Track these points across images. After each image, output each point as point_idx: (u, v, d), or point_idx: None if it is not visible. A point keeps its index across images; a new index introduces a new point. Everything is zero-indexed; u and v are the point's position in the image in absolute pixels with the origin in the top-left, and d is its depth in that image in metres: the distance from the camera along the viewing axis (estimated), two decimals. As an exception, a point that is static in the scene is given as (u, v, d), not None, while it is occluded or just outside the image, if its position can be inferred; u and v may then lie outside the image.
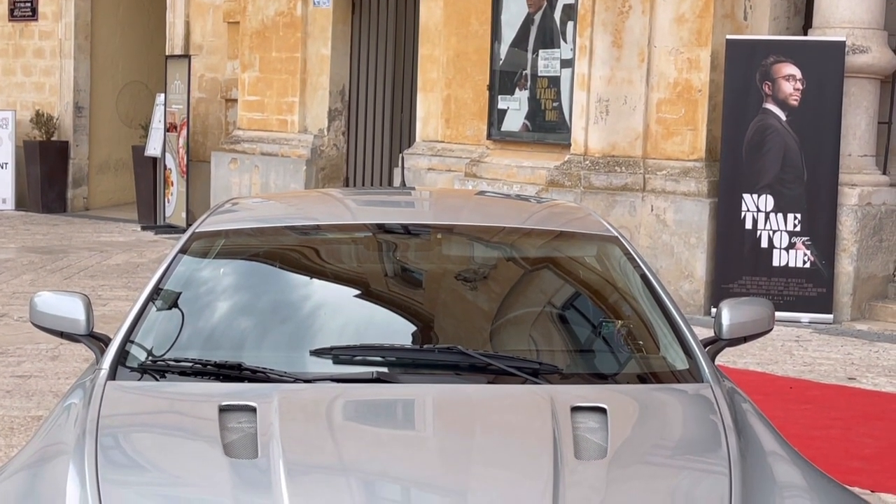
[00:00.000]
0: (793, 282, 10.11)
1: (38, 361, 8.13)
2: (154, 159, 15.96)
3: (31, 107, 17.93)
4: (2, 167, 17.75)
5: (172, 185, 15.66)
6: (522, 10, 11.87)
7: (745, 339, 4.01)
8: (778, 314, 9.77)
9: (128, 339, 3.60)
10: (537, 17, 11.83)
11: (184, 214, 15.27)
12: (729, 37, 10.37)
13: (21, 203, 17.74)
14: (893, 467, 6.09)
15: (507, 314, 3.97)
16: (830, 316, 10.06)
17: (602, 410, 3.18)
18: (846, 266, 10.12)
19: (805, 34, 10.69)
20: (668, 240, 10.48)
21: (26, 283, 11.33)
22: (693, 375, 3.55)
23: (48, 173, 17.52)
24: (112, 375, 3.42)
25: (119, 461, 2.96)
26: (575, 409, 3.17)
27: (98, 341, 3.81)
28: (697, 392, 3.44)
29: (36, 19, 18.16)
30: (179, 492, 2.87)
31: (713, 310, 10.24)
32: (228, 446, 2.95)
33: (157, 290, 3.82)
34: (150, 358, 3.52)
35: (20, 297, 10.51)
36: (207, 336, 3.68)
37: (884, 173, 10.48)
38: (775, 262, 10.18)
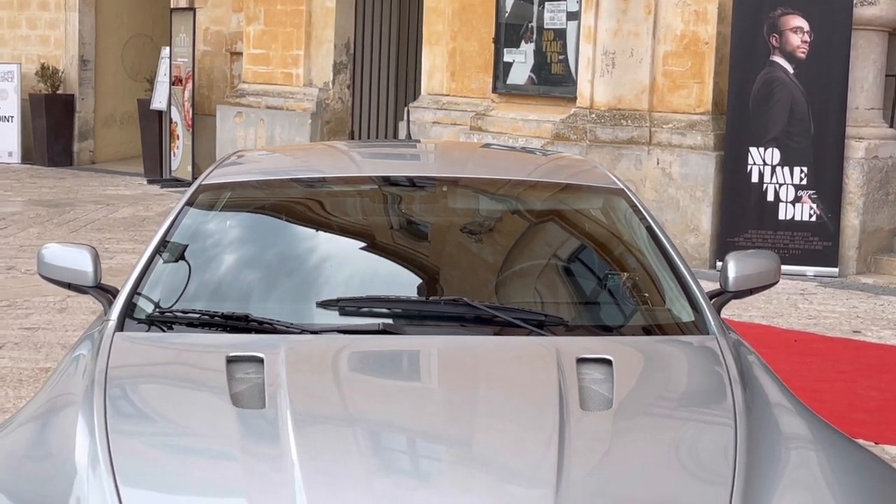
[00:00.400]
0: (798, 235, 10.11)
1: (45, 314, 8.16)
2: (159, 113, 15.93)
3: (36, 60, 17.85)
4: (7, 120, 17.73)
5: (178, 138, 15.63)
6: (529, -39, 11.80)
7: (750, 292, 4.02)
8: (783, 268, 9.75)
9: (135, 291, 3.59)
10: (543, -31, 11.80)
11: (189, 168, 15.24)
12: None
13: (27, 156, 17.72)
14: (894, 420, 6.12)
15: (513, 266, 3.95)
16: (836, 269, 10.06)
17: (607, 362, 3.18)
18: (852, 219, 10.11)
19: None
20: (674, 193, 10.47)
21: (33, 237, 11.34)
22: (698, 328, 3.54)
23: (54, 127, 17.47)
24: (120, 327, 3.42)
25: (127, 412, 2.96)
26: (580, 361, 3.16)
27: (105, 293, 3.81)
28: (703, 344, 3.44)
29: (40, -29, 18.09)
30: (187, 441, 2.87)
31: (718, 263, 10.20)
32: (236, 396, 2.95)
33: (163, 243, 3.81)
34: (157, 310, 3.52)
35: (27, 251, 10.52)
36: (214, 288, 3.67)
37: (891, 126, 10.45)
38: (781, 216, 10.17)
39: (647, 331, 3.60)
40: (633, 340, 3.51)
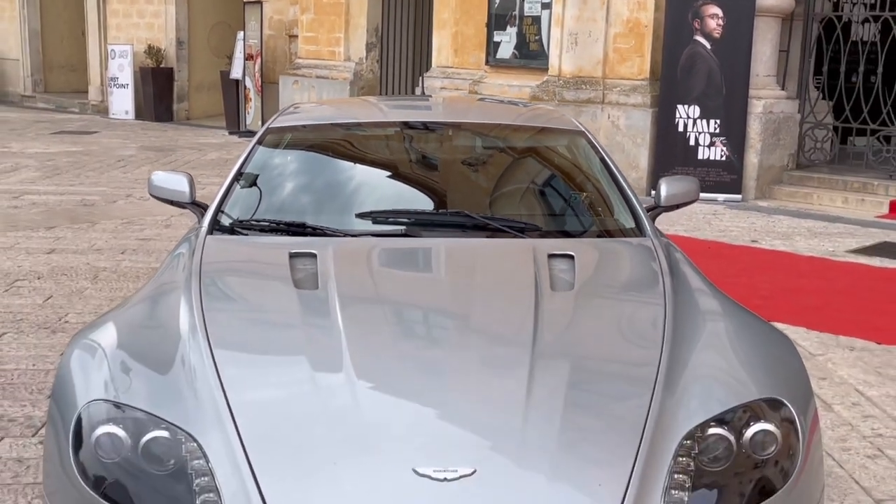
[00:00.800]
0: (712, 171, 9.97)
1: (155, 228, 8.11)
2: (237, 81, 15.71)
3: (144, 42, 17.54)
4: (124, 87, 17.49)
5: (251, 100, 15.44)
6: (512, -35, 11.55)
7: (677, 207, 3.96)
8: (701, 195, 9.72)
9: (220, 206, 3.56)
10: (524, -29, 11.54)
11: (260, 123, 14.98)
12: None
13: (139, 114, 17.52)
14: (783, 303, 6.09)
15: (501, 188, 3.88)
16: (740, 196, 9.94)
17: (571, 257, 3.15)
18: (752, 159, 9.97)
19: None
20: (621, 140, 10.33)
21: (145, 172, 11.22)
22: (638, 232, 3.52)
23: (158, 92, 17.23)
24: (210, 232, 3.41)
25: (217, 294, 2.94)
26: (551, 256, 3.14)
27: (199, 208, 3.78)
28: (641, 244, 3.39)
29: (146, -25, 17.76)
30: (261, 314, 2.87)
31: (653, 192, 10.15)
32: (296, 281, 2.94)
33: (240, 172, 3.78)
34: (237, 220, 3.49)
35: (141, 182, 10.43)
36: (279, 204, 3.62)
37: (782, 89, 10.24)
38: (700, 156, 10.01)
39: (600, 234, 3.55)
40: (590, 241, 3.48)
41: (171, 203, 3.85)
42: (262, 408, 2.32)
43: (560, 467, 2.16)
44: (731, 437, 2.29)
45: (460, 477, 2.09)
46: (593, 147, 3.95)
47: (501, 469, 2.14)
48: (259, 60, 15.18)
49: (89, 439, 2.28)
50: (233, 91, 15.81)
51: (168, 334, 2.65)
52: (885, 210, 9.31)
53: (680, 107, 10.05)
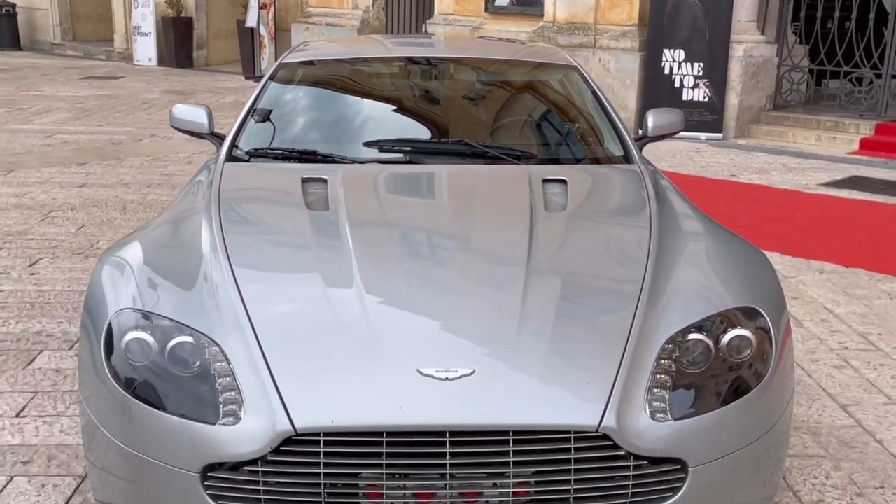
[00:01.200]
0: (696, 111, 9.84)
1: (178, 165, 8.06)
2: (252, 29, 15.44)
3: (165, -8, 17.33)
4: (147, 35, 17.22)
5: (265, 47, 15.20)
6: (510, -83, 11.30)
7: (663, 137, 3.91)
8: (684, 133, 9.61)
9: (236, 138, 3.52)
10: (520, -78, 11.28)
11: (274, 68, 14.91)
12: None
13: (161, 61, 17.27)
14: (759, 232, 6.02)
15: (499, 119, 3.82)
16: (721, 135, 9.84)
17: (563, 181, 3.12)
18: (733, 100, 9.84)
19: None
20: (611, 82, 10.19)
21: (167, 114, 11.10)
22: (627, 160, 3.48)
23: (179, 40, 16.95)
24: (228, 160, 3.38)
25: (235, 217, 2.89)
26: (545, 181, 3.11)
27: (217, 138, 3.74)
28: (629, 170, 3.36)
29: (165, -72, 17.36)
30: (277, 235, 2.84)
31: (640, 130, 10.06)
32: (309, 204, 2.91)
33: (255, 105, 3.72)
34: (253, 149, 3.46)
35: (164, 123, 10.33)
36: (292, 135, 3.57)
37: (762, 34, 10.07)
38: (684, 97, 9.87)
39: (591, 162, 3.49)
40: (582, 167, 3.42)
41: (192, 134, 3.79)
42: (278, 318, 2.32)
43: (551, 369, 2.16)
44: (710, 342, 2.29)
45: (461, 376, 2.10)
46: (585, 81, 3.89)
47: (498, 370, 2.15)
48: (272, 9, 14.91)
49: (120, 345, 2.29)
50: (248, 39, 15.55)
51: (191, 253, 2.63)
52: (856, 147, 9.23)
53: (666, 51, 9.89)
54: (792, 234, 6.07)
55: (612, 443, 2.06)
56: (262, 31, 15.16)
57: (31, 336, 4.07)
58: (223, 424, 2.08)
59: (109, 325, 2.35)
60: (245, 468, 2.06)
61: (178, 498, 2.12)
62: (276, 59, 14.66)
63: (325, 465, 2.03)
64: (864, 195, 7.25)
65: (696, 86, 9.84)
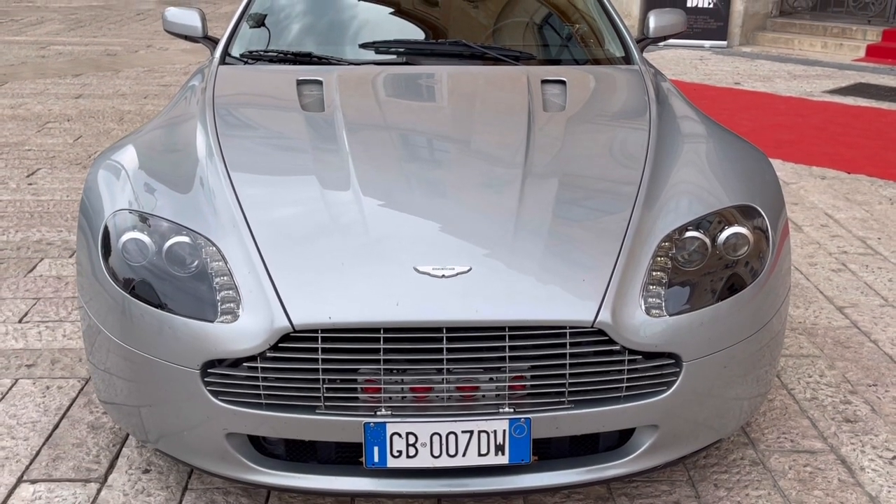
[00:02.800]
0: (700, 18, 9.68)
1: (175, 76, 7.95)
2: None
3: None
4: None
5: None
6: None
7: (665, 38, 3.81)
8: (688, 41, 9.50)
9: (230, 40, 3.46)
10: None
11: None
12: None
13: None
14: (761, 138, 6.00)
15: (499, 21, 3.71)
16: (725, 42, 9.70)
17: (563, 82, 3.08)
18: (738, 6, 9.66)
19: None
20: (613, -12, 10.01)
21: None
22: (628, 61, 3.43)
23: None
24: (222, 62, 3.32)
25: (230, 121, 2.85)
26: (544, 82, 3.07)
27: (210, 41, 3.67)
28: (630, 70, 3.31)
29: None
30: (272, 139, 2.79)
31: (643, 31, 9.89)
32: (304, 106, 2.88)
33: (248, 7, 3.64)
34: (247, 51, 3.40)
35: (160, 34, 10.17)
36: (286, 37, 3.49)
37: (770, -63, 9.87)
38: (689, 4, 9.69)
39: (592, 63, 3.42)
40: (581, 68, 3.36)
41: (185, 38, 3.71)
42: (275, 219, 2.31)
43: (547, 267, 2.16)
44: (707, 240, 2.28)
45: (457, 274, 2.10)
46: (586, -18, 3.79)
47: (494, 267, 2.15)
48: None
49: (117, 245, 2.28)
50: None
51: (186, 157, 2.60)
52: (862, 54, 9.08)
53: (671, -45, 9.65)
54: (795, 140, 6.02)
55: (607, 338, 2.08)
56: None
57: (31, 244, 4.08)
58: (221, 322, 2.10)
59: (106, 226, 2.34)
60: (244, 364, 2.08)
61: (179, 395, 2.15)
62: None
63: (324, 360, 2.05)
64: (869, 102, 7.17)
65: (701, -8, 9.64)
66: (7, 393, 2.88)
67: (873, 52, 9.00)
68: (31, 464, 2.54)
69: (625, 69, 3.32)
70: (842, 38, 9.35)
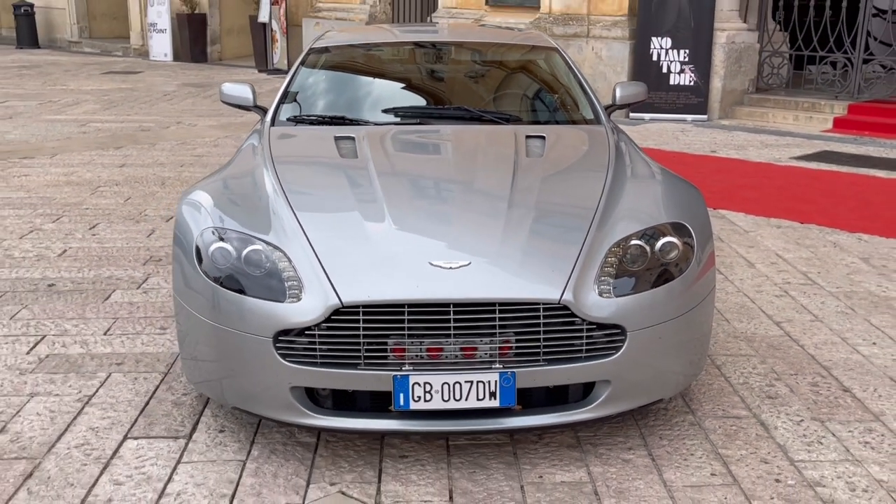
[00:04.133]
0: (682, 94, 10.60)
1: (206, 147, 8.85)
2: (264, 24, 16.17)
3: (179, -10, 18.13)
4: (163, 32, 18.02)
5: (277, 41, 15.93)
6: (508, -85, 12.05)
7: (630, 105, 4.67)
8: (670, 115, 10.47)
9: (278, 108, 4.31)
10: (518, -80, 12.03)
11: (286, 61, 15.56)
12: None
13: (176, 56, 18.05)
14: (729, 196, 6.79)
15: (492, 90, 4.58)
16: (706, 116, 10.59)
17: (542, 137, 3.91)
18: (717, 83, 10.59)
19: None
20: (603, 69, 10.95)
21: (188, 105, 11.92)
22: (597, 122, 4.27)
23: (193, 36, 17.71)
24: (272, 125, 4.18)
25: (287, 166, 3.59)
26: (528, 137, 3.89)
27: (260, 109, 4.53)
28: (597, 128, 4.14)
29: (179, -71, 18.16)
30: (320, 179, 3.60)
31: (631, 115, 10.83)
32: (342, 155, 3.70)
33: (291, 81, 4.51)
34: (293, 116, 4.25)
35: (187, 113, 11.15)
36: (324, 105, 4.34)
37: (744, 22, 10.82)
38: (671, 82, 10.63)
39: (567, 123, 4.27)
40: (558, 126, 4.20)
41: (238, 107, 4.55)
42: (326, 231, 3.11)
43: (525, 263, 2.97)
44: (647, 247, 3.09)
45: (460, 266, 2.91)
46: (564, 60, 4.68)
47: (487, 262, 2.95)
48: (284, 5, 15.65)
49: (207, 254, 3.09)
50: (261, 33, 16.30)
51: (255, 190, 3.42)
52: (830, 125, 10.01)
53: (654, 39, 10.65)
54: (758, 198, 6.86)
55: (570, 312, 2.87)
56: (274, 25, 15.93)
57: (103, 280, 4.89)
58: (289, 302, 2.89)
59: (197, 242, 3.15)
60: (305, 333, 2.87)
61: (255, 358, 2.93)
62: (287, 53, 15.54)
63: (364, 329, 2.84)
64: (830, 167, 8.04)
65: (682, 71, 10.61)
66: (105, 382, 3.66)
67: (839, 124, 9.94)
68: (131, 427, 3.30)
69: (593, 128, 4.17)
70: (811, 111, 10.30)
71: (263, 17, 16.10)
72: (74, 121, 10.47)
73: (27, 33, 20.84)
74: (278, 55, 15.91)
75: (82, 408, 3.44)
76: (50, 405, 3.46)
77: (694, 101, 10.59)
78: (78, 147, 8.80)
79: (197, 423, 3.33)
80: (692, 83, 10.58)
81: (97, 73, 15.92)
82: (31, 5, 20.88)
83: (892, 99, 10.15)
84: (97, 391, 3.57)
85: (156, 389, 3.59)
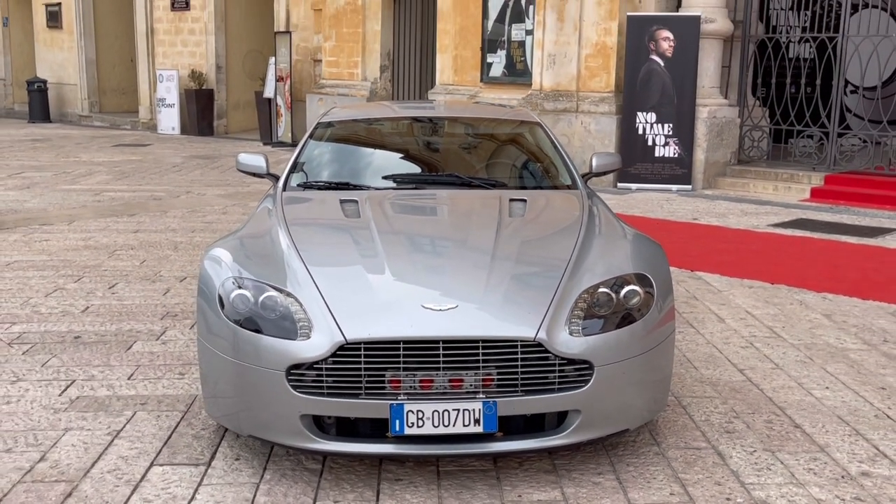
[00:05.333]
0: (667, 165, 11.17)
1: (215, 215, 9.36)
2: (269, 99, 16.85)
3: (188, 67, 18.80)
4: (171, 106, 18.78)
5: (281, 116, 16.61)
6: (501, -2, 12.79)
7: (605, 173, 5.18)
8: (655, 185, 11.06)
9: (289, 175, 4.82)
10: (511, 3, 12.66)
11: (290, 134, 16.25)
12: (629, 14, 11.16)
13: (183, 130, 18.76)
14: (707, 260, 7.26)
15: (481, 160, 5.10)
16: (690, 186, 11.14)
17: (524, 200, 4.41)
18: (700, 156, 11.15)
19: (676, 11, 11.49)
20: (592, 142, 11.50)
21: (196, 175, 12.47)
22: (574, 187, 4.78)
23: (201, 110, 18.41)
24: (284, 190, 4.67)
25: (298, 225, 4.06)
26: (511, 200, 4.38)
27: (272, 176, 5.04)
28: (573, 192, 4.65)
29: (189, 9, 18.94)
30: (327, 238, 4.07)
31: (619, 185, 11.37)
32: (346, 215, 4.18)
33: (301, 150, 5.03)
34: (302, 182, 4.76)
35: (196, 183, 11.71)
36: (330, 172, 4.85)
37: (724, 98, 11.44)
38: (657, 154, 11.19)
39: (547, 188, 4.77)
40: (538, 191, 4.69)
41: (253, 174, 5.07)
42: (333, 280, 3.57)
43: (506, 306, 3.42)
44: (613, 294, 3.55)
45: (449, 309, 3.36)
46: (546, 133, 5.21)
47: (472, 306, 3.40)
48: (288, 81, 16.39)
49: (228, 300, 3.55)
50: (266, 108, 17.03)
51: (271, 246, 3.88)
52: (807, 195, 10.56)
53: (639, 113, 11.26)
54: (734, 261, 7.34)
55: (544, 349, 3.31)
56: (279, 101, 16.64)
57: (124, 332, 5.33)
58: (300, 340, 3.34)
59: (219, 291, 3.61)
60: (314, 366, 3.31)
61: (270, 390, 3.36)
62: (291, 127, 16.25)
63: (365, 363, 3.28)
64: (804, 233, 8.55)
65: (666, 144, 11.20)
66: (131, 419, 4.08)
67: (816, 194, 10.49)
68: (157, 456, 3.72)
69: (570, 192, 4.67)
70: (790, 182, 10.86)
71: (269, 92, 16.83)
72: (89, 190, 11.01)
73: (39, 108, 21.62)
74: (282, 128, 16.58)
75: (112, 440, 3.86)
76: (83, 438, 3.88)
77: (678, 172, 11.16)
78: (93, 214, 9.31)
79: (215, 452, 3.74)
80: (676, 155, 11.16)
81: (108, 145, 16.58)
82: (45, 81, 21.70)
83: (868, 170, 10.72)
84: (125, 426, 3.99)
85: (177, 425, 4.01)
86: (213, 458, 3.70)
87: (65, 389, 4.43)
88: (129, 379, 4.58)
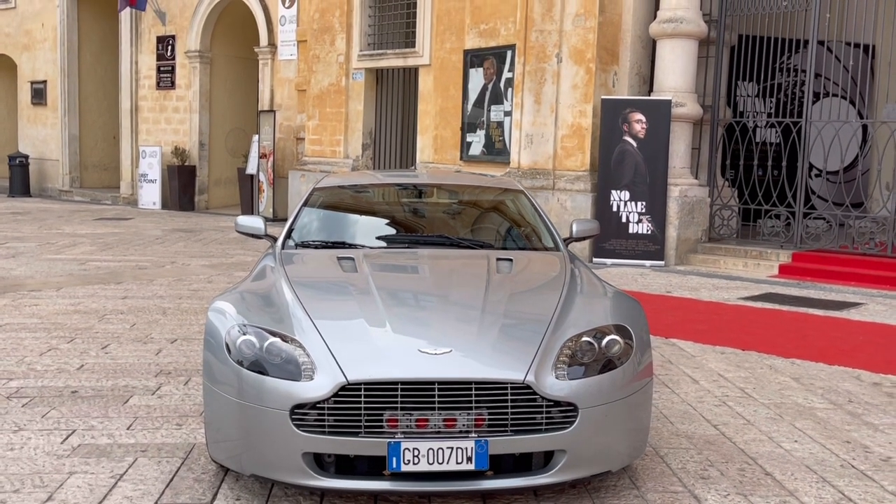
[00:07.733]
0: (640, 242, 11.57)
1: (200, 283, 9.57)
2: (251, 176, 17.21)
3: (171, 144, 19.16)
4: (153, 182, 19.09)
5: (264, 192, 16.94)
6: (481, 81, 13.17)
7: (584, 238, 5.53)
8: (629, 261, 11.41)
9: (287, 236, 5.11)
10: (490, 86, 13.16)
11: (271, 209, 16.57)
12: (603, 97, 11.67)
13: (165, 205, 19.03)
14: (681, 329, 7.57)
15: (467, 223, 5.42)
16: (662, 262, 11.51)
17: (510, 259, 4.71)
18: (672, 233, 11.58)
19: (648, 95, 12.02)
20: (567, 218, 11.80)
21: (180, 247, 12.70)
22: (556, 249, 5.10)
23: (183, 186, 18.73)
24: (283, 248, 4.95)
25: (299, 280, 4.30)
26: (498, 259, 4.68)
27: (270, 237, 5.32)
28: (555, 253, 4.97)
29: (174, 88, 19.43)
30: (327, 292, 4.32)
31: (595, 259, 11.73)
32: (344, 270, 4.46)
33: (297, 214, 5.33)
34: (300, 241, 5.04)
35: (180, 254, 11.92)
36: (325, 233, 5.14)
37: (695, 178, 11.92)
38: (630, 231, 11.59)
39: (531, 250, 5.09)
40: (523, 252, 5.00)
41: (252, 236, 5.36)
42: (335, 327, 3.82)
43: (496, 352, 3.68)
44: (595, 343, 3.82)
45: (443, 353, 3.62)
46: (529, 200, 5.55)
47: (465, 351, 3.66)
48: (271, 158, 16.79)
49: (235, 346, 3.78)
50: (248, 184, 17.37)
51: (277, 299, 4.11)
52: (776, 271, 10.97)
53: (613, 192, 11.70)
54: (707, 330, 7.65)
55: (532, 391, 3.56)
56: (262, 177, 17.00)
57: (120, 388, 5.51)
58: (304, 381, 3.57)
59: (226, 339, 3.85)
60: (316, 406, 3.53)
61: (274, 429, 3.57)
62: (273, 202, 16.56)
63: (365, 403, 3.51)
64: (774, 306, 8.90)
65: (640, 221, 11.62)
66: (133, 464, 4.25)
67: (784, 270, 10.90)
68: (160, 497, 3.89)
69: (552, 253, 4.99)
70: (759, 258, 11.28)
71: (252, 169, 17.20)
72: (74, 259, 11.20)
73: (20, 182, 21.86)
74: (264, 203, 16.89)
75: (116, 482, 4.03)
76: (88, 480, 4.04)
77: (652, 248, 11.55)
78: (80, 282, 9.49)
79: (216, 493, 3.92)
80: (649, 232, 11.57)
81: (89, 218, 16.79)
82: (26, 156, 21.97)
83: (833, 249, 11.17)
84: (127, 470, 4.16)
85: (178, 469, 4.19)
86: (214, 498, 3.87)
87: (66, 438, 4.59)
88: (128, 429, 4.75)
